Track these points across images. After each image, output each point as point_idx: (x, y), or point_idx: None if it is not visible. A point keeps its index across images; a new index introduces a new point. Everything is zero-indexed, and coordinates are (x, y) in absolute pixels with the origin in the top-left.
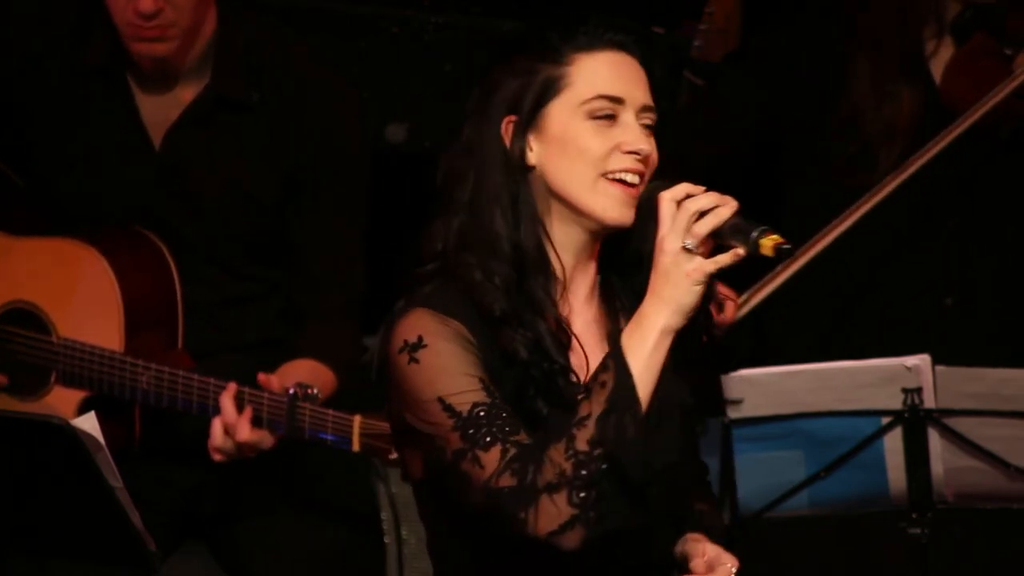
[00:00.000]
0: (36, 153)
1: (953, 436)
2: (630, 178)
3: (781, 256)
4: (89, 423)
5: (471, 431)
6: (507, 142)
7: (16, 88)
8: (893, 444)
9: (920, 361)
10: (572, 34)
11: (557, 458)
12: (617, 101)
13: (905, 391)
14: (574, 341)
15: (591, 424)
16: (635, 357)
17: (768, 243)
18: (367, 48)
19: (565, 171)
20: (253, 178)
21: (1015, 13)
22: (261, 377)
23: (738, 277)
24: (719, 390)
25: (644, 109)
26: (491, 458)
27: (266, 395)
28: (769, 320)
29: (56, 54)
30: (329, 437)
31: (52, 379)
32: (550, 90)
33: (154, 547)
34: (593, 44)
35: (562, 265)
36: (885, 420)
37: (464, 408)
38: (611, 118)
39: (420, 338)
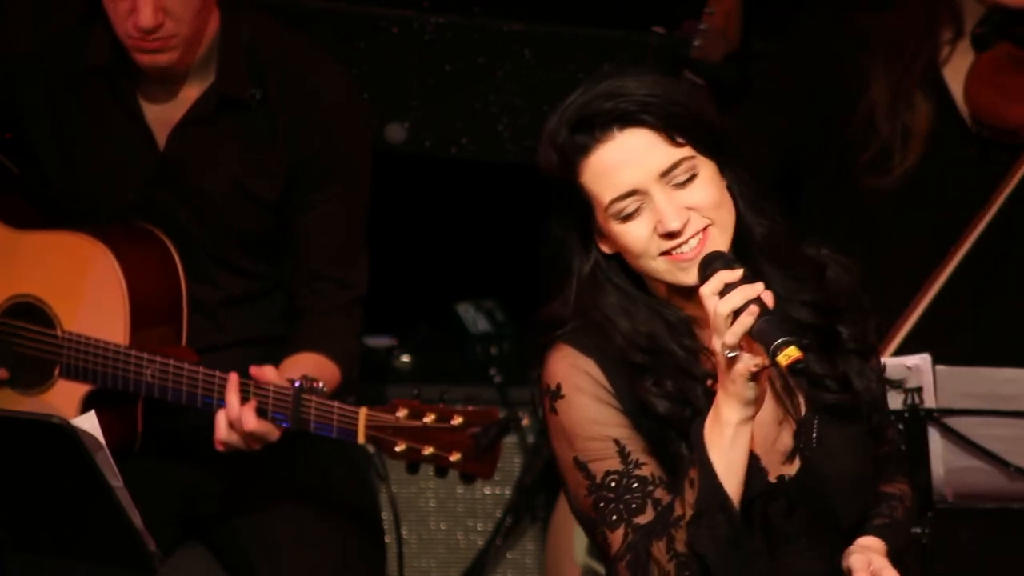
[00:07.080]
0: (40, 152)
1: (953, 436)
2: (684, 249)
3: (794, 373)
4: (89, 422)
5: (600, 504)
6: (581, 245)
7: (19, 88)
8: None
9: (920, 361)
10: (571, 143)
11: (660, 558)
12: (632, 194)
13: (905, 391)
14: None
15: (684, 526)
16: (717, 453)
17: (783, 360)
18: (367, 48)
19: (631, 260)
20: (257, 176)
21: None
22: (253, 369)
23: None
24: None
25: (667, 172)
26: (616, 538)
27: (271, 388)
28: None
29: (58, 54)
30: (335, 429)
31: (56, 373)
32: (583, 204)
33: (154, 547)
34: (589, 142)
35: (688, 302)
36: None
37: (598, 475)
38: (638, 209)
39: (559, 386)
